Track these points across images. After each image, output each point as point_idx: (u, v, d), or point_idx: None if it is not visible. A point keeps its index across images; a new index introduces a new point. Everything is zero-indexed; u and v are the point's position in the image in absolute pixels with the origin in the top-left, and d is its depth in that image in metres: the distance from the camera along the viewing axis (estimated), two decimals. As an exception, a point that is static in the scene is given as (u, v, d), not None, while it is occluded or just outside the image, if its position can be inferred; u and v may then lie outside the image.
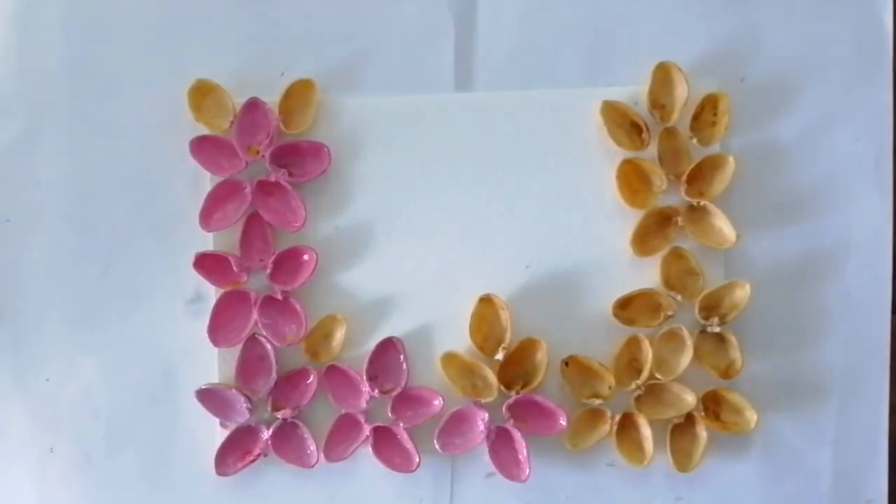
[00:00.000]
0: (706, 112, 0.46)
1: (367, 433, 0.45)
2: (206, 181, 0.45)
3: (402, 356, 0.45)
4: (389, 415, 0.45)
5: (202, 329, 0.45)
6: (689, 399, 0.45)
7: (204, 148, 0.44)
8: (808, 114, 0.46)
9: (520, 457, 0.45)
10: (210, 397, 0.45)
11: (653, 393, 0.45)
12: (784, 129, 0.46)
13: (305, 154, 0.45)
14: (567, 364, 0.45)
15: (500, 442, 0.45)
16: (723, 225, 0.45)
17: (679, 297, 0.45)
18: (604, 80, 0.46)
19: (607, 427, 0.45)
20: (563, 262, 0.46)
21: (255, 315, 0.45)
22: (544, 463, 0.46)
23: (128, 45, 0.45)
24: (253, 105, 0.44)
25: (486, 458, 0.45)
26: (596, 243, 0.46)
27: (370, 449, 0.45)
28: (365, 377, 0.45)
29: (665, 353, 0.45)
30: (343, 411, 0.45)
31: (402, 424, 0.45)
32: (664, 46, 0.46)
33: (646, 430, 0.45)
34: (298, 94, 0.45)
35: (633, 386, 0.45)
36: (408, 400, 0.45)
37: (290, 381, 0.45)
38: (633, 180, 0.46)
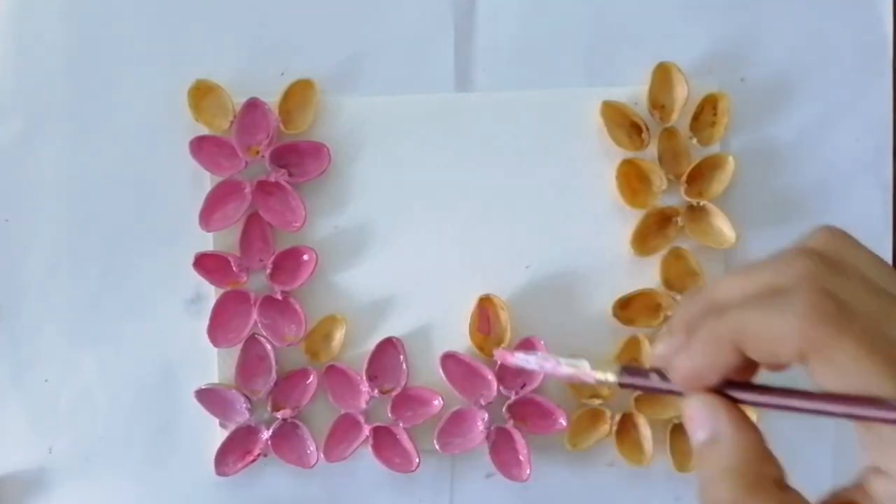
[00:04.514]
0: (706, 112, 0.46)
1: (367, 433, 0.45)
2: (206, 181, 0.45)
3: (402, 356, 0.45)
4: (389, 415, 0.45)
5: (202, 329, 0.45)
6: (689, 399, 0.45)
7: (204, 148, 0.44)
8: (808, 114, 0.46)
9: (520, 457, 0.45)
10: (210, 397, 0.45)
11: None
12: (784, 129, 0.46)
13: (305, 154, 0.45)
14: (567, 364, 0.45)
15: (500, 442, 0.45)
16: (723, 225, 0.45)
17: (679, 297, 0.45)
18: (604, 80, 0.46)
19: (607, 427, 0.45)
20: (563, 262, 0.46)
21: (254, 315, 0.45)
22: (544, 463, 0.46)
23: (127, 46, 0.45)
24: (253, 105, 0.44)
25: (486, 458, 0.45)
26: (596, 243, 0.46)
27: (370, 449, 0.45)
28: (365, 377, 0.45)
29: (665, 353, 0.45)
30: (343, 411, 0.45)
31: (401, 424, 0.45)
32: (664, 46, 0.46)
33: (646, 430, 0.45)
34: (298, 94, 0.45)
35: (633, 386, 0.45)
36: (407, 400, 0.45)
37: (289, 381, 0.45)
38: (633, 180, 0.46)
